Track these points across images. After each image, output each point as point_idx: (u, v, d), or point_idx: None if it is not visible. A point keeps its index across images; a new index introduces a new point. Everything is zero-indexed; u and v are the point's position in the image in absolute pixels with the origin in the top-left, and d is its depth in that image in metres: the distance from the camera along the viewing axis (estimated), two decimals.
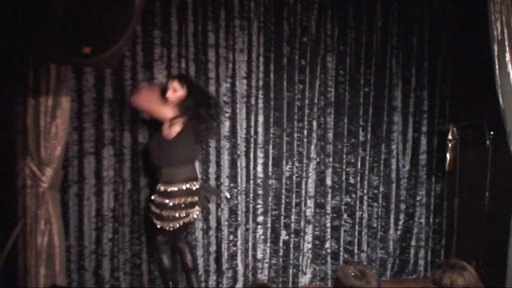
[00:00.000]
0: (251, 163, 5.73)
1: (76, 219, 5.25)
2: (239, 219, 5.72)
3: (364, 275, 3.02)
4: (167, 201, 4.85)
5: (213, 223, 5.69)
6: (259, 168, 5.79)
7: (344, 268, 3.10)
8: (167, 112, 4.84)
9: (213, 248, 5.72)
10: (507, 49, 4.62)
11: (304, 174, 5.94)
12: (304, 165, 5.94)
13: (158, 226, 4.95)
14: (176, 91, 4.92)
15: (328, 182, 6.03)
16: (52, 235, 4.42)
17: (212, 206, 5.56)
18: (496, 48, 4.69)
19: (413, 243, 6.33)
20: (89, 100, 5.22)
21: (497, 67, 4.71)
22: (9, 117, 4.29)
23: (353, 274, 3.02)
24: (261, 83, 5.72)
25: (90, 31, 3.44)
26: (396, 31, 6.04)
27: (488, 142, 5.36)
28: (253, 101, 5.70)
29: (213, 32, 5.51)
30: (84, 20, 3.36)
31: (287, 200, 5.90)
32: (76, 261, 5.28)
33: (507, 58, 4.63)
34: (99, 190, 5.32)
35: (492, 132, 5.32)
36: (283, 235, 5.89)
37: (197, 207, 5.04)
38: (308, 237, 6.07)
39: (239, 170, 5.69)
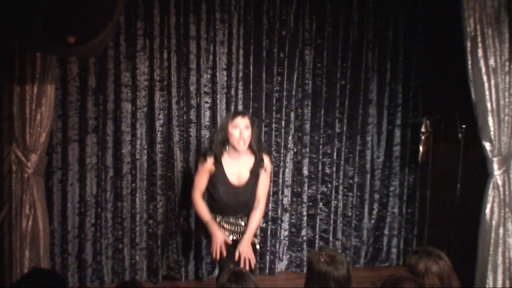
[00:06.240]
0: None
1: (59, 204, 5.42)
2: None
3: (333, 261, 3.11)
4: None
5: None
6: None
7: (316, 254, 3.20)
8: None
9: None
10: (480, 45, 4.66)
11: (281, 164, 5.98)
12: (282, 155, 5.98)
13: None
14: (249, 128, 4.50)
15: (305, 172, 6.06)
16: (36, 219, 4.46)
17: None
18: (469, 44, 4.70)
19: (386, 232, 6.39)
20: (73, 89, 5.37)
21: (469, 62, 4.74)
22: None
23: (322, 259, 3.11)
24: (240, 74, 5.79)
25: (75, 21, 3.47)
26: (372, 26, 6.06)
27: (460, 135, 5.40)
28: (233, 92, 5.76)
29: (194, 24, 5.58)
30: (69, 10, 3.40)
31: None
32: (59, 245, 5.45)
33: (479, 53, 4.67)
34: (82, 177, 5.46)
35: (464, 126, 5.35)
36: (261, 223, 5.76)
37: None
38: (285, 225, 6.12)
39: None
